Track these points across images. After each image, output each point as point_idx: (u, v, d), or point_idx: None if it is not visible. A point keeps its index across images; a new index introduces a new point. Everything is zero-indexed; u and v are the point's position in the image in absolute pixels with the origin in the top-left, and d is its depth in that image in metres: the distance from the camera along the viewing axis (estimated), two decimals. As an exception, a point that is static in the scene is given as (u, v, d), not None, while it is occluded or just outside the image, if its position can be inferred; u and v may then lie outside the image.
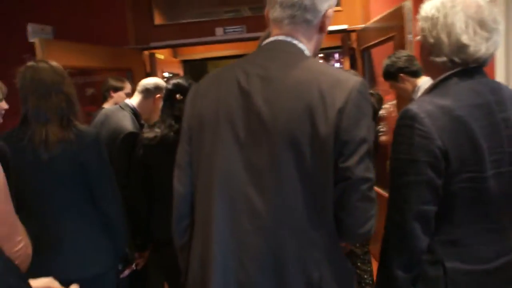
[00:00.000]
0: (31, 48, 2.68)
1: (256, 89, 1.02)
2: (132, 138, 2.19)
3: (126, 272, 1.94)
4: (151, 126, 2.12)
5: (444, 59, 1.09)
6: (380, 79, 3.01)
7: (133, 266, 1.99)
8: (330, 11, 1.08)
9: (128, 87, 3.10)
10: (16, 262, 0.97)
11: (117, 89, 3.04)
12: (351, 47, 3.92)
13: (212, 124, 1.05)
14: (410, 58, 2.48)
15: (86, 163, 1.65)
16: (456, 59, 1.08)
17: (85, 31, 3.58)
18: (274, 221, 0.98)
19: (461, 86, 1.08)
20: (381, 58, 3.77)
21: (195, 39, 3.84)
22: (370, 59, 3.72)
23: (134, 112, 2.43)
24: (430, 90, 1.15)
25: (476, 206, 1.07)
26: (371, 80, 3.69)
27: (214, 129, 1.04)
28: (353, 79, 1.00)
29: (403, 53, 2.52)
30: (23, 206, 1.49)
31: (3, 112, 1.73)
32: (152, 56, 4.14)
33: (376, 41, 3.20)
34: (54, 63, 1.70)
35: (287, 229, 0.98)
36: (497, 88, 1.11)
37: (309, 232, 0.98)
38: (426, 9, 1.13)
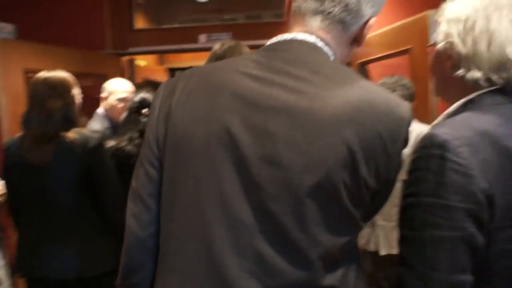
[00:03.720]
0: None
1: (274, 103, 0.72)
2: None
3: None
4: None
5: (478, 75, 0.84)
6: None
7: None
8: (373, 20, 0.82)
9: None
10: None
11: None
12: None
13: (200, 149, 0.74)
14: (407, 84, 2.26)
15: (91, 167, 1.68)
16: (495, 78, 0.83)
17: (57, 32, 3.31)
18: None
19: (506, 108, 0.82)
20: (380, 73, 3.48)
21: (177, 46, 3.56)
22: (366, 75, 3.44)
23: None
24: (456, 112, 0.87)
25: None
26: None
27: (204, 156, 0.73)
28: (403, 104, 0.75)
29: (404, 80, 2.27)
30: (24, 209, 1.76)
31: None
32: (131, 62, 3.85)
33: (382, 55, 2.91)
34: (65, 74, 1.78)
35: None
36: None
37: None
38: (456, 9, 0.86)
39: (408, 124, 0.74)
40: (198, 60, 4.94)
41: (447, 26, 0.88)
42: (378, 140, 0.71)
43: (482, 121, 0.80)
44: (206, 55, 4.78)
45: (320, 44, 0.79)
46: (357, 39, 0.83)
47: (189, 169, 0.75)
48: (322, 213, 0.70)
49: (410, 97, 2.22)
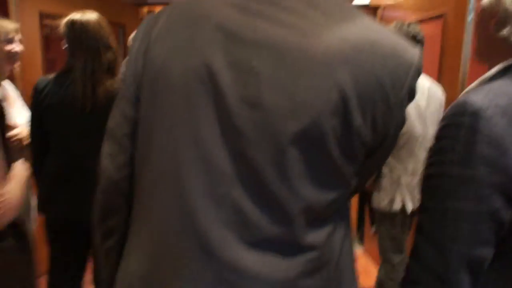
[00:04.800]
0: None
1: (261, 37, 0.63)
2: None
3: None
4: None
5: None
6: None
7: None
8: None
9: None
10: None
11: None
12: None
13: (178, 87, 0.66)
14: None
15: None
16: None
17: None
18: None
19: None
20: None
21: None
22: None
23: None
24: (494, 78, 0.80)
25: None
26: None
27: (182, 95, 0.66)
28: (412, 49, 0.66)
29: (408, 26, 2.00)
30: (54, 147, 1.77)
31: (17, 56, 1.87)
32: (150, 14, 3.73)
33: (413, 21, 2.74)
34: (98, 16, 1.74)
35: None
36: None
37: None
38: None
39: (416, 73, 0.65)
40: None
41: None
42: (378, 87, 0.62)
43: None
44: None
45: None
46: None
47: (165, 108, 0.67)
48: (307, 165, 0.63)
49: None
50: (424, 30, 2.88)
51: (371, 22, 0.66)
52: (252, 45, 0.63)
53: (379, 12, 3.41)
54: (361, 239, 3.46)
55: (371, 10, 3.52)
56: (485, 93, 0.73)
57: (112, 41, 1.76)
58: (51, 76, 1.76)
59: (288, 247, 0.66)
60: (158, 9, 3.81)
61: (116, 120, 0.76)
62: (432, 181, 0.76)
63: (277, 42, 0.62)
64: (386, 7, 3.28)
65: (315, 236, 0.67)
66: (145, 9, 3.65)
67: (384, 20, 3.30)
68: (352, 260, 0.75)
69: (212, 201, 0.64)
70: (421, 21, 2.65)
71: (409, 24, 2.00)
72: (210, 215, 0.64)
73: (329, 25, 0.63)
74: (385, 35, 0.65)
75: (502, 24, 0.80)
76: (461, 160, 0.71)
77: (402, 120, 0.68)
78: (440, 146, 0.75)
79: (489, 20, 0.83)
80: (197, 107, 0.64)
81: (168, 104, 0.67)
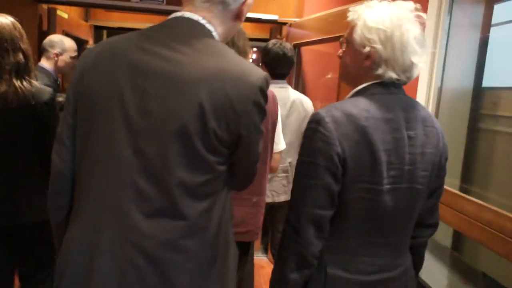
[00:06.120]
0: None
1: (152, 69, 0.94)
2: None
3: None
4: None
5: (392, 75, 1.08)
6: (309, 79, 2.74)
7: None
8: (251, 0, 1.05)
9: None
10: None
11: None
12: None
13: (101, 103, 0.97)
14: None
15: (42, 118, 1.75)
16: (403, 77, 1.09)
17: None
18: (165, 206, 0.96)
19: (375, 99, 1.08)
20: (314, 58, 3.51)
21: (106, 1, 3.29)
22: (299, 58, 3.45)
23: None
24: (353, 96, 1.15)
25: (369, 218, 1.08)
26: (298, 80, 3.42)
27: (104, 109, 0.97)
28: (258, 73, 0.96)
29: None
30: None
31: None
32: (51, 11, 3.49)
33: (316, 39, 2.92)
34: (13, 19, 1.75)
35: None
36: (411, 106, 1.11)
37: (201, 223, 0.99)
38: (377, 20, 1.07)
39: (259, 90, 0.94)
40: (126, 22, 4.64)
41: (369, 32, 1.07)
42: (227, 100, 0.91)
43: (352, 107, 1.06)
44: (136, 17, 4.55)
45: (203, 21, 0.99)
46: (238, 16, 1.04)
47: (94, 120, 0.98)
48: (181, 155, 0.92)
49: None
50: (326, 49, 3.08)
51: (231, 56, 0.97)
52: (146, 74, 0.94)
53: (285, 28, 3.57)
54: (265, 249, 3.56)
55: (279, 26, 3.68)
56: (328, 108, 1.06)
57: (24, 43, 1.74)
58: None
59: (171, 215, 0.94)
60: (60, 8, 3.59)
61: (62, 127, 1.04)
62: (296, 167, 1.10)
63: (162, 71, 0.93)
64: (292, 24, 3.46)
65: (192, 208, 0.95)
66: (45, 6, 3.40)
67: (290, 36, 3.46)
68: (229, 231, 1.05)
69: (122, 184, 0.94)
70: (322, 40, 2.85)
71: (281, 43, 2.44)
72: (121, 194, 0.94)
73: (198, 59, 0.93)
74: (237, 64, 0.95)
75: (377, 65, 1.08)
76: (308, 151, 1.05)
77: (252, 123, 0.96)
78: (302, 143, 1.09)
79: (363, 61, 1.10)
80: (112, 117, 0.95)
81: (96, 116, 0.98)
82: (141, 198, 0.93)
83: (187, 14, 1.00)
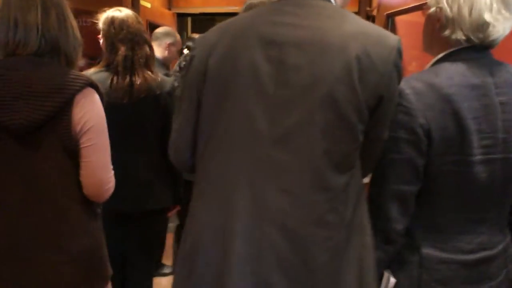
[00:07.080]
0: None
1: (288, 39, 0.93)
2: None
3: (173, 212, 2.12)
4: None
5: (460, 36, 1.02)
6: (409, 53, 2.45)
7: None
8: None
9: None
10: (107, 187, 1.29)
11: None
12: (371, 15, 3.37)
13: (231, 78, 0.96)
14: None
15: (165, 107, 1.84)
16: (474, 38, 1.02)
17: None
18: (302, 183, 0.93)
19: (458, 65, 1.03)
20: (410, 28, 3.21)
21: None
22: (394, 29, 3.12)
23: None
24: (434, 64, 1.11)
25: (461, 193, 1.04)
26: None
27: (234, 84, 0.96)
28: (393, 35, 0.95)
29: None
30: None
31: None
32: (135, 2, 3.51)
33: (411, 6, 2.60)
34: (133, 12, 1.83)
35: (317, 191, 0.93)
36: (499, 70, 1.05)
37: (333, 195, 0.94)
38: None
39: (398, 52, 0.92)
40: (208, 6, 4.61)
41: None
42: (371, 62, 0.89)
43: (433, 76, 1.02)
44: (217, 1, 4.49)
45: None
46: None
47: (226, 98, 0.97)
48: (328, 123, 0.89)
49: None
50: (416, 16, 2.73)
51: (361, 20, 0.98)
52: (281, 45, 0.93)
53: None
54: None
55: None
56: (407, 79, 1.02)
57: (147, 36, 1.83)
58: (90, 71, 1.79)
59: (314, 188, 0.90)
60: (142, -3, 3.62)
61: (186, 104, 1.04)
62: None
63: (299, 40, 0.92)
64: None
65: (335, 181, 0.91)
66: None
67: (382, 6, 3.16)
68: (364, 214, 0.99)
69: (256, 159, 0.92)
70: (420, 6, 2.52)
71: None
72: (256, 170, 0.92)
73: (331, 25, 0.94)
74: (372, 28, 0.96)
75: (444, 27, 1.04)
76: (390, 126, 1.00)
77: (393, 87, 0.95)
78: None
79: (435, 23, 1.07)
80: (246, 92, 0.94)
81: (228, 94, 0.96)
82: (279, 173, 0.91)
83: None
